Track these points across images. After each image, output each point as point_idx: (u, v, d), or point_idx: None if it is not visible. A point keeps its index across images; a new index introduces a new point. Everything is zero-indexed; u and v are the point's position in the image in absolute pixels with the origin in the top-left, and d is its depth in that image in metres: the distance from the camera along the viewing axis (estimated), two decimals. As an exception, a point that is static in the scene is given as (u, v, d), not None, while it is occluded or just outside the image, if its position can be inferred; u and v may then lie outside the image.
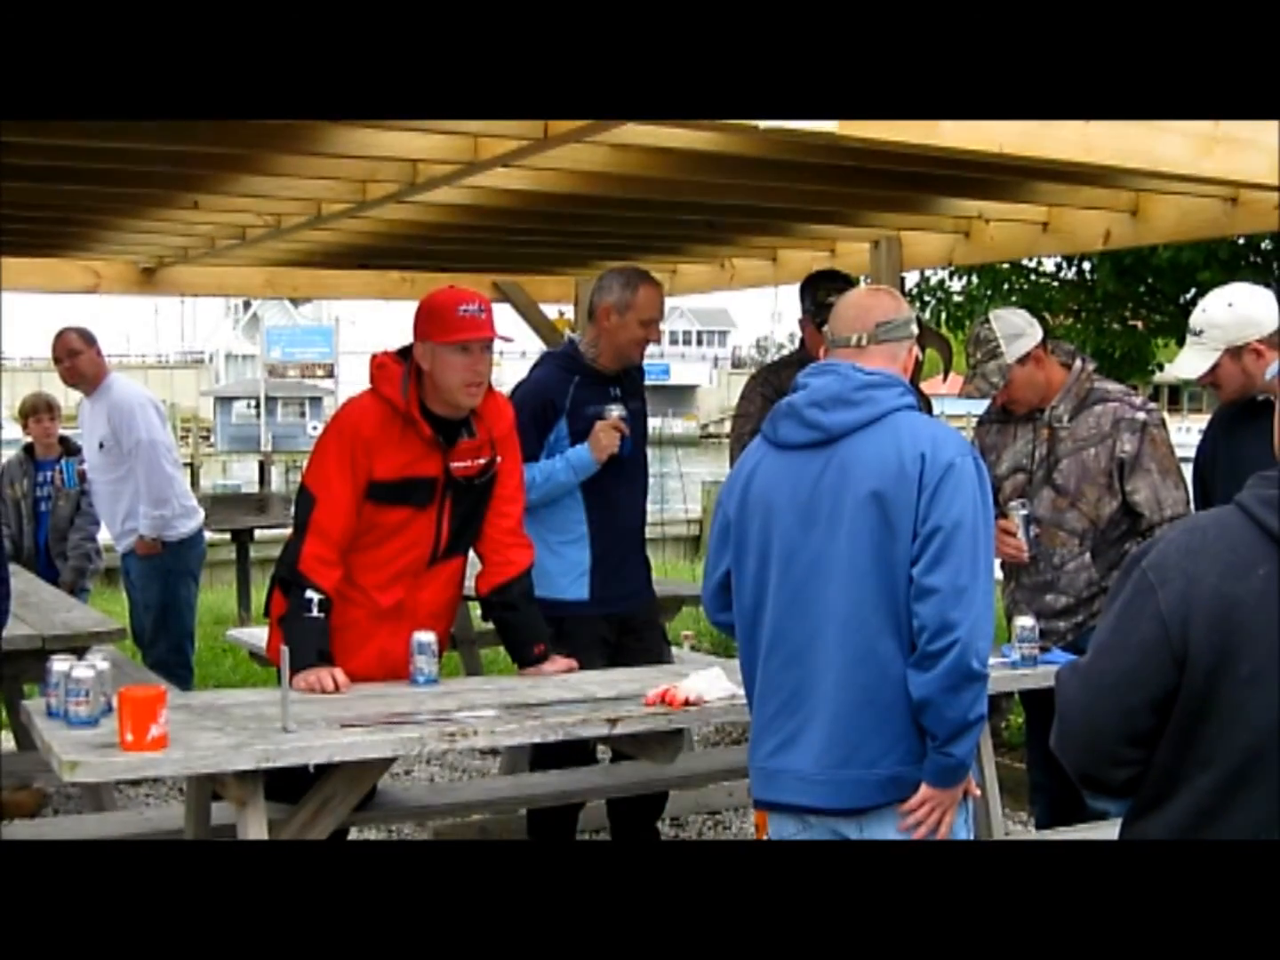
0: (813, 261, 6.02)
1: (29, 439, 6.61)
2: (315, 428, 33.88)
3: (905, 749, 2.69)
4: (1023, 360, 3.99)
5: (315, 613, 3.54)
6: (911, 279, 8.29)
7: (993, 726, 4.65)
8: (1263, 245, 7.26)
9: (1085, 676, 1.94)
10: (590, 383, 4.29)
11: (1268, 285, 4.15)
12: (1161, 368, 8.42)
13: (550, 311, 7.53)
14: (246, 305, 58.57)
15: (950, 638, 2.59)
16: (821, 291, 4.64)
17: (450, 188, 4.53)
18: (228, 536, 10.06)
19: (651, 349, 4.47)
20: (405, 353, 3.69)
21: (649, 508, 4.80)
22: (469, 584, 3.99)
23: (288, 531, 3.82)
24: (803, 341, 4.87)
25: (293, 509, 3.83)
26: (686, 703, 3.42)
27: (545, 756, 4.41)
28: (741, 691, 3.04)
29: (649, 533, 4.78)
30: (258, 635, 5.30)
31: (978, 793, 2.90)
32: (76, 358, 6.04)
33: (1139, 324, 8.42)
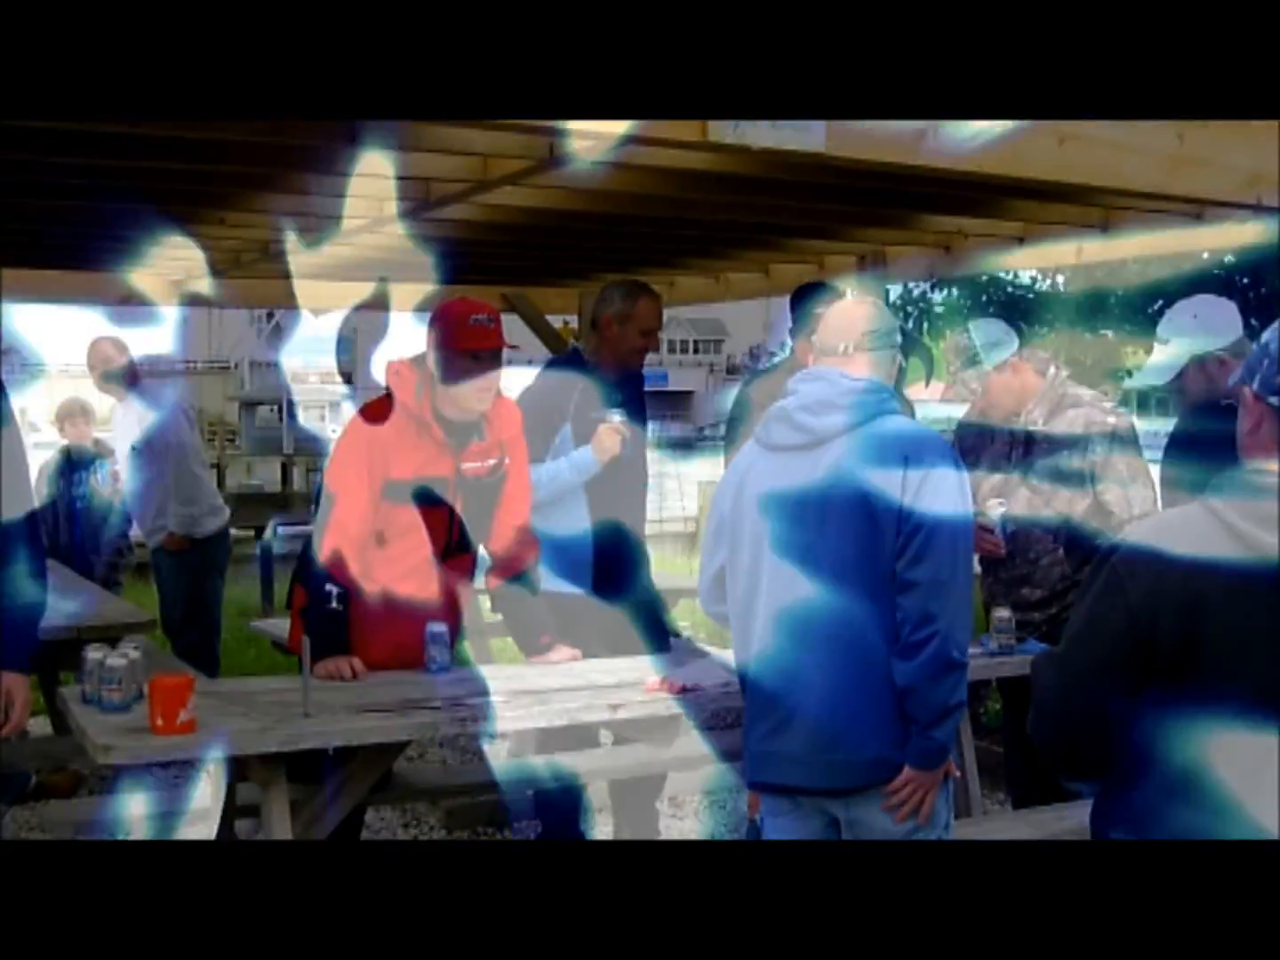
0: (802, 274, 6.02)
1: (65, 441, 6.61)
2: (335, 430, 33.74)
3: (890, 733, 2.69)
4: (1000, 367, 4.00)
5: (334, 605, 3.54)
6: (895, 291, 8.29)
7: (972, 712, 4.63)
8: (1226, 260, 7.26)
9: (1059, 665, 1.95)
10: (593, 388, 4.29)
11: (1230, 297, 4.15)
12: (1130, 374, 8.43)
13: (555, 321, 7.52)
14: (269, 315, 58.47)
15: (931, 628, 2.59)
16: (811, 303, 4.63)
17: (461, 205, 4.53)
18: (252, 533, 10.08)
19: (650, 356, 4.47)
20: (419, 360, 3.69)
21: (648, 506, 4.80)
22: (479, 578, 3.99)
23: (309, 528, 3.82)
24: (793, 350, 4.87)
25: (313, 507, 3.82)
26: (684, 689, 3.42)
27: (551, 741, 4.41)
28: (735, 679, 3.04)
29: (648, 530, 4.78)
30: (280, 626, 5.28)
31: (958, 774, 2.91)
32: (110, 365, 6.04)
33: (1109, 333, 8.42)
